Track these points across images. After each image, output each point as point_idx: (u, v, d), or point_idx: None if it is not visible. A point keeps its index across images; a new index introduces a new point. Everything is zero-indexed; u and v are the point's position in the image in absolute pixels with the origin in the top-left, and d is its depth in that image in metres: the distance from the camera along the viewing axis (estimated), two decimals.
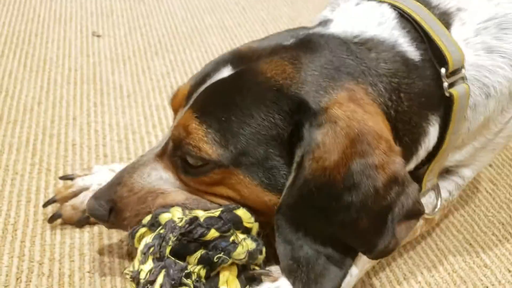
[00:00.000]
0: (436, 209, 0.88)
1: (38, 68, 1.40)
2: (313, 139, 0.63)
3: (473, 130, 0.82)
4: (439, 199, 0.88)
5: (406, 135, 0.73)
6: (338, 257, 0.70)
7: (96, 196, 0.76)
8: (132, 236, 0.73)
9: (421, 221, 0.88)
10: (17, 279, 0.82)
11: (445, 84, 0.73)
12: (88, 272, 0.84)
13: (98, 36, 1.59)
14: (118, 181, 0.76)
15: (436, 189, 0.89)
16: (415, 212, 0.69)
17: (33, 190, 0.99)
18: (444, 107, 0.75)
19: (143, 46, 1.56)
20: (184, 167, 0.73)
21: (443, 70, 0.73)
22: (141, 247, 0.70)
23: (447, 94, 0.73)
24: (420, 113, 0.74)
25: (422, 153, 0.78)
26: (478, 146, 0.88)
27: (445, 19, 0.78)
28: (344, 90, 0.66)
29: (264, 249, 0.72)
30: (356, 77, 0.68)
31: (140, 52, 1.53)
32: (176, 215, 0.71)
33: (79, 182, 0.92)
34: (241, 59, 0.73)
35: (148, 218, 0.73)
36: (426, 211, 0.87)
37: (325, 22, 0.78)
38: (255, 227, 0.73)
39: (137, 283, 0.68)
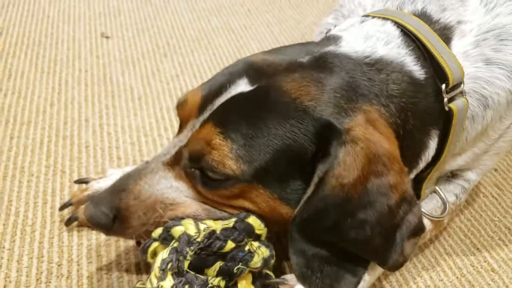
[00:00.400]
0: (446, 212, 0.90)
1: (49, 69, 1.42)
2: (336, 156, 0.66)
3: (471, 139, 0.85)
4: (447, 202, 0.91)
5: (409, 150, 0.76)
6: (351, 266, 0.73)
7: (96, 203, 0.73)
8: (144, 251, 0.73)
9: (430, 225, 0.91)
10: (37, 280, 0.84)
11: (445, 100, 0.77)
12: (106, 273, 0.86)
13: (107, 37, 1.61)
14: (121, 188, 0.74)
15: (439, 193, 0.92)
16: (419, 230, 0.74)
17: (49, 192, 1.01)
18: (444, 121, 0.78)
19: (151, 48, 1.58)
20: (203, 179, 0.72)
21: (443, 86, 0.76)
22: (157, 263, 0.69)
23: (446, 109, 0.77)
24: (423, 129, 0.77)
25: (422, 165, 0.81)
26: (478, 152, 0.91)
27: (446, 33, 0.81)
28: (362, 112, 0.70)
29: (274, 253, 0.74)
30: (371, 99, 0.71)
31: (149, 54, 1.54)
32: (189, 228, 0.71)
33: (94, 185, 0.94)
34: (258, 72, 0.73)
35: (159, 231, 0.72)
36: (434, 214, 0.90)
37: (334, 39, 0.80)
38: (264, 232, 0.74)
39: None
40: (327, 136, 0.68)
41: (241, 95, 0.71)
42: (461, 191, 0.96)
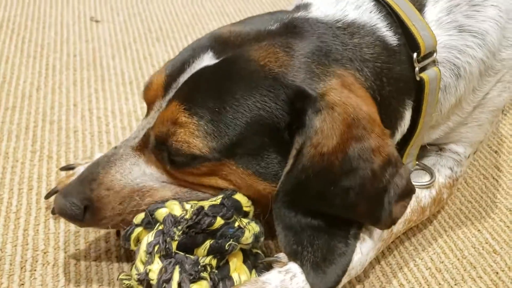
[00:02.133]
0: (432, 179, 0.88)
1: (36, 54, 1.37)
2: (312, 126, 0.63)
3: (445, 111, 0.84)
4: (432, 173, 0.89)
5: (386, 119, 0.74)
6: (341, 236, 0.70)
7: (65, 194, 0.70)
8: (126, 238, 0.70)
9: (428, 200, 0.88)
10: (21, 268, 0.80)
11: (416, 69, 0.75)
12: (95, 260, 0.82)
13: (97, 21, 1.56)
14: (92, 177, 0.70)
15: (421, 165, 0.91)
16: (408, 192, 0.71)
17: (34, 178, 0.97)
18: (416, 91, 0.76)
19: (143, 32, 1.54)
20: (170, 160, 0.69)
21: (414, 55, 0.74)
22: (143, 247, 0.67)
23: (418, 78, 0.75)
24: (398, 98, 0.75)
25: (398, 136, 0.79)
26: (452, 125, 0.89)
27: (419, 0, 0.79)
28: (336, 76, 0.67)
29: (263, 230, 0.72)
30: (344, 63, 0.69)
31: (140, 38, 1.50)
32: (174, 209, 0.68)
33: (80, 170, 0.90)
34: (224, 44, 0.70)
35: (141, 216, 0.70)
36: (425, 192, 0.88)
37: (304, 6, 0.77)
38: (252, 209, 0.72)
39: (147, 285, 0.65)
40: (300, 104, 0.65)
41: (205, 69, 0.68)
42: (454, 164, 0.94)
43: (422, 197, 0.86)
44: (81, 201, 0.69)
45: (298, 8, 0.78)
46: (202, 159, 0.67)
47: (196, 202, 0.70)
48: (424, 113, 0.77)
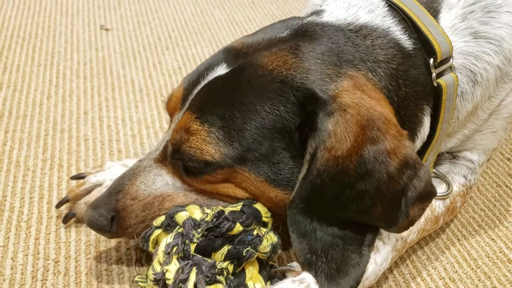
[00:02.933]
0: (449, 189, 0.87)
1: (46, 62, 1.38)
2: (325, 129, 0.62)
3: (463, 118, 0.83)
4: (449, 181, 0.88)
5: (406, 122, 0.73)
6: (355, 241, 0.69)
7: (95, 206, 0.73)
8: (145, 239, 0.71)
9: (442, 209, 0.87)
10: (33, 277, 0.80)
11: (434, 75, 0.74)
12: (106, 270, 0.82)
13: (107, 30, 1.57)
14: (118, 189, 0.73)
15: (438, 173, 0.89)
16: (428, 194, 0.69)
17: (45, 187, 0.97)
18: (434, 97, 0.76)
19: (153, 40, 1.54)
20: (185, 168, 0.71)
21: (431, 61, 0.74)
22: (162, 247, 0.68)
23: (435, 84, 0.74)
24: (416, 102, 0.74)
25: (418, 144, 0.78)
26: (468, 133, 0.88)
27: (434, 6, 0.79)
28: (348, 77, 0.66)
29: (281, 243, 0.71)
30: (356, 64, 0.68)
31: (150, 46, 1.51)
32: (194, 212, 0.69)
33: (91, 179, 0.90)
34: (236, 56, 0.71)
35: (161, 219, 0.71)
36: (439, 201, 0.87)
37: (317, 12, 0.77)
38: (271, 221, 0.72)
39: (163, 285, 0.66)
40: (311, 107, 0.64)
41: (217, 79, 0.70)
42: (468, 172, 0.93)
43: (436, 206, 0.85)
44: (108, 211, 0.72)
45: (310, 14, 0.78)
46: (215, 166, 0.67)
47: (216, 207, 0.70)
48: (442, 119, 0.76)
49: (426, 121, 0.77)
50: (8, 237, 0.87)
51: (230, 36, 1.60)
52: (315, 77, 0.65)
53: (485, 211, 0.99)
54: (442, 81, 0.74)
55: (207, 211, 0.69)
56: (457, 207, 0.90)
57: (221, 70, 0.71)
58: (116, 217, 0.72)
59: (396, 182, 0.65)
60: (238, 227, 0.66)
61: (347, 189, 0.64)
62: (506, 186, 1.06)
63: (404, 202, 0.67)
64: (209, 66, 0.72)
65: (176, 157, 0.71)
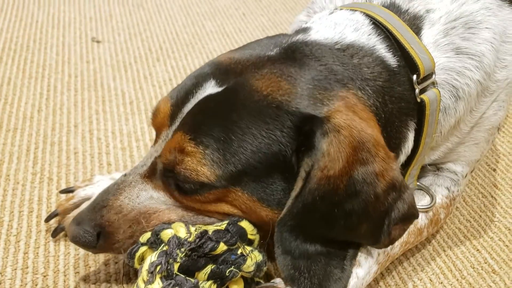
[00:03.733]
0: (432, 202, 0.89)
1: (37, 75, 1.39)
2: (320, 148, 0.64)
3: (445, 132, 0.85)
4: (433, 194, 0.90)
5: (391, 139, 0.74)
6: (338, 256, 0.71)
7: (78, 222, 0.73)
8: (131, 256, 0.71)
9: (425, 221, 0.89)
10: None
11: (417, 91, 0.76)
12: (94, 284, 0.83)
13: (98, 42, 1.58)
14: (102, 204, 0.73)
15: (421, 186, 0.91)
16: (410, 216, 0.72)
17: (35, 200, 0.98)
18: (418, 112, 0.78)
19: (144, 52, 1.55)
20: (178, 187, 0.71)
21: (414, 77, 0.76)
22: (146, 266, 0.68)
23: (418, 100, 0.76)
24: (401, 118, 0.76)
25: (402, 158, 0.80)
26: (451, 146, 0.90)
27: (416, 23, 0.81)
28: (339, 99, 0.67)
29: (267, 261, 0.72)
30: (346, 83, 0.70)
31: (141, 58, 1.52)
32: (180, 230, 0.69)
33: (80, 193, 0.91)
34: (225, 72, 0.71)
35: (147, 235, 0.71)
36: (421, 214, 0.88)
37: (304, 30, 0.79)
38: (257, 239, 0.72)
39: None
40: (308, 128, 0.65)
41: (209, 98, 0.69)
42: (451, 183, 0.94)
43: (418, 219, 0.87)
44: (94, 227, 0.72)
45: (297, 32, 0.79)
46: (210, 187, 0.68)
47: (201, 225, 0.71)
48: (425, 134, 0.78)
49: (411, 136, 0.78)
50: None
51: (221, 48, 1.62)
52: (308, 102, 0.66)
53: (470, 222, 1.01)
54: (425, 96, 0.76)
55: (192, 229, 0.69)
56: (440, 219, 0.92)
57: (210, 87, 0.71)
58: (102, 233, 0.72)
59: (382, 203, 0.67)
60: (222, 247, 0.67)
61: (336, 208, 0.66)
62: (492, 196, 1.07)
63: (387, 222, 0.69)
64: (197, 83, 0.72)
65: (168, 175, 0.71)
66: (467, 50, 0.80)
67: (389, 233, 0.70)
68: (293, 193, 0.66)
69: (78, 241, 0.72)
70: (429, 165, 0.95)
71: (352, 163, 0.64)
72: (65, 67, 1.44)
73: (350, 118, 0.65)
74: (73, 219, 0.74)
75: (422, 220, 0.87)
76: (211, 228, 0.69)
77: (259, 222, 0.71)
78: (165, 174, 0.71)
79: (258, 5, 1.93)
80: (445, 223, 0.99)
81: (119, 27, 1.69)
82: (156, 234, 0.70)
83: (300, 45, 0.73)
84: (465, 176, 0.96)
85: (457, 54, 0.80)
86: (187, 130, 0.68)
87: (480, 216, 1.02)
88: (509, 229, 0.99)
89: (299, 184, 0.66)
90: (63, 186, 1.01)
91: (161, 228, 0.70)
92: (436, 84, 0.78)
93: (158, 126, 0.75)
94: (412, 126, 0.78)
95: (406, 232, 0.83)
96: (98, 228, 0.72)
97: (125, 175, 0.76)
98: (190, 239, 0.67)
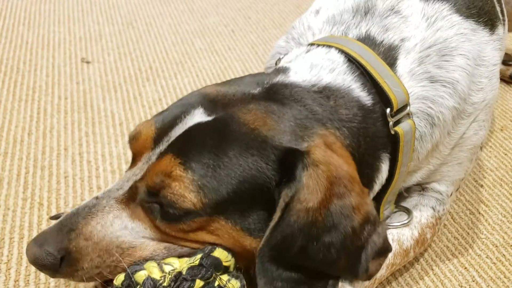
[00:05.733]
0: (410, 218, 0.91)
1: (27, 97, 1.40)
2: (300, 180, 0.66)
3: (423, 157, 0.87)
4: (410, 212, 0.92)
5: (364, 175, 0.77)
6: (319, 284, 0.73)
7: (41, 243, 0.69)
8: None
9: (411, 242, 0.90)
10: None
11: (390, 124, 0.79)
12: None
13: (88, 62, 1.59)
14: (71, 227, 0.70)
15: (401, 207, 0.94)
16: (384, 250, 0.74)
17: (25, 226, 0.98)
18: (392, 144, 0.80)
19: (133, 72, 1.56)
20: (162, 213, 0.69)
21: (388, 111, 0.78)
22: None
23: (392, 132, 0.79)
24: (375, 154, 0.79)
25: (377, 187, 0.83)
26: (432, 168, 0.92)
27: (391, 54, 0.83)
28: (319, 136, 0.70)
29: (245, 284, 0.72)
30: (325, 123, 0.73)
31: (131, 78, 1.53)
32: (153, 271, 0.68)
33: None
34: (214, 103, 0.73)
35: (121, 278, 0.69)
36: (407, 235, 0.90)
37: (283, 70, 0.81)
38: (232, 263, 0.72)
39: None
40: (291, 160, 0.67)
41: (199, 126, 0.70)
42: (437, 203, 0.96)
43: (404, 240, 0.88)
44: (58, 251, 0.68)
45: (277, 71, 0.81)
46: (194, 215, 0.68)
47: (174, 260, 0.70)
48: (400, 164, 0.81)
49: (385, 168, 0.81)
50: None
51: (210, 66, 1.63)
52: (291, 137, 0.69)
53: (458, 239, 1.02)
54: (399, 129, 0.79)
55: (166, 269, 0.69)
56: (427, 238, 0.93)
57: (199, 114, 0.72)
58: (67, 258, 0.69)
59: (358, 237, 0.70)
60: (199, 284, 0.67)
61: (315, 241, 0.68)
62: (479, 213, 1.09)
63: (365, 256, 0.72)
64: (185, 110, 0.73)
65: (150, 201, 0.70)
66: (441, 78, 0.83)
67: (367, 268, 0.72)
68: (272, 223, 0.67)
69: (39, 264, 0.68)
70: (415, 185, 0.96)
71: (330, 196, 0.67)
72: (55, 88, 1.44)
73: (329, 155, 0.68)
74: (34, 239, 0.70)
75: (407, 241, 0.89)
76: (184, 267, 0.68)
77: (241, 251, 0.71)
78: (147, 199, 0.70)
79: (247, 22, 1.96)
80: (432, 242, 1.00)
81: (108, 47, 1.70)
82: (129, 277, 0.68)
83: (280, 87, 0.76)
84: (451, 195, 0.98)
85: (432, 82, 0.82)
86: (177, 154, 0.68)
87: (468, 233, 1.04)
88: (496, 246, 1.01)
89: (277, 214, 0.67)
90: (54, 211, 1.01)
91: (134, 269, 0.69)
92: (411, 114, 0.81)
93: (139, 149, 0.73)
94: (386, 158, 0.81)
95: (391, 254, 0.85)
96: (63, 252, 0.68)
97: (97, 197, 0.73)
98: (164, 284, 0.66)
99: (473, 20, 0.88)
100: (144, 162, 0.71)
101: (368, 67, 0.79)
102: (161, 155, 0.69)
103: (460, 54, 0.84)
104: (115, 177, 1.13)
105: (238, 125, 0.69)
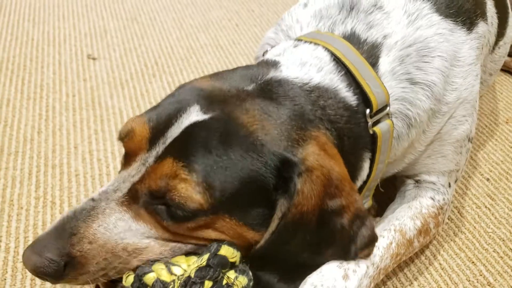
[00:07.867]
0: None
1: (36, 95, 1.40)
2: (295, 189, 0.70)
3: (400, 154, 0.91)
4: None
5: (350, 170, 0.79)
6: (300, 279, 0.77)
7: (39, 251, 0.67)
8: None
9: (414, 231, 0.91)
10: None
11: (370, 123, 0.82)
12: None
13: (94, 59, 1.60)
14: (71, 232, 0.68)
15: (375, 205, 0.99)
16: (372, 240, 0.78)
17: (39, 225, 1.00)
18: (372, 143, 0.83)
19: (139, 68, 1.57)
20: (168, 213, 0.70)
21: (367, 111, 0.81)
22: None
23: (371, 132, 0.82)
24: (356, 153, 0.82)
25: (358, 184, 0.86)
26: (408, 162, 0.96)
27: (374, 53, 0.85)
28: (312, 139, 0.73)
29: (252, 277, 0.74)
30: (317, 124, 0.76)
31: (137, 74, 1.54)
32: (162, 274, 0.69)
33: None
34: (209, 99, 0.73)
35: (130, 280, 0.69)
36: (409, 225, 0.91)
37: (273, 65, 0.82)
38: (238, 257, 0.73)
39: None
40: (287, 173, 0.70)
41: (197, 125, 0.70)
42: (434, 193, 0.98)
43: (406, 230, 0.90)
44: (61, 257, 0.67)
45: (266, 65, 0.82)
46: (201, 214, 0.69)
47: (181, 260, 0.72)
48: (377, 162, 0.84)
49: (366, 166, 0.85)
50: (5, 279, 0.89)
51: (215, 61, 1.64)
52: (286, 144, 0.71)
53: (465, 233, 1.03)
54: (377, 129, 0.82)
55: (175, 271, 0.69)
56: (430, 228, 0.94)
57: (195, 112, 0.71)
58: (71, 263, 0.67)
59: (348, 232, 0.75)
60: (208, 284, 0.68)
61: (308, 237, 0.73)
62: (486, 207, 1.10)
63: (354, 248, 0.76)
64: (179, 107, 0.72)
65: (155, 203, 0.70)
66: (420, 80, 0.85)
67: (356, 255, 0.77)
68: (269, 230, 0.71)
69: (41, 272, 0.66)
70: (406, 177, 1.00)
71: (323, 198, 0.71)
72: (62, 86, 1.45)
73: (322, 158, 0.71)
74: (31, 248, 0.68)
75: (410, 231, 0.90)
76: (192, 269, 0.69)
77: (244, 245, 0.74)
78: (151, 201, 0.70)
79: (251, 15, 1.95)
80: (438, 235, 1.02)
81: (114, 43, 1.70)
82: (139, 279, 0.69)
83: (274, 84, 0.77)
84: (447, 186, 0.99)
85: (412, 84, 0.85)
86: (178, 157, 0.68)
87: (475, 227, 1.05)
88: (503, 240, 1.02)
89: (275, 222, 0.70)
90: (66, 210, 1.03)
91: (143, 272, 0.69)
92: (390, 115, 0.84)
93: (133, 148, 0.72)
94: (367, 156, 0.84)
95: (395, 245, 0.86)
96: (65, 258, 0.67)
97: (93, 199, 0.71)
98: None
99: (451, 20, 0.90)
100: (140, 163, 0.70)
101: (351, 68, 0.81)
102: (160, 158, 0.69)
103: (438, 56, 0.86)
104: None
105: (236, 126, 0.71)
